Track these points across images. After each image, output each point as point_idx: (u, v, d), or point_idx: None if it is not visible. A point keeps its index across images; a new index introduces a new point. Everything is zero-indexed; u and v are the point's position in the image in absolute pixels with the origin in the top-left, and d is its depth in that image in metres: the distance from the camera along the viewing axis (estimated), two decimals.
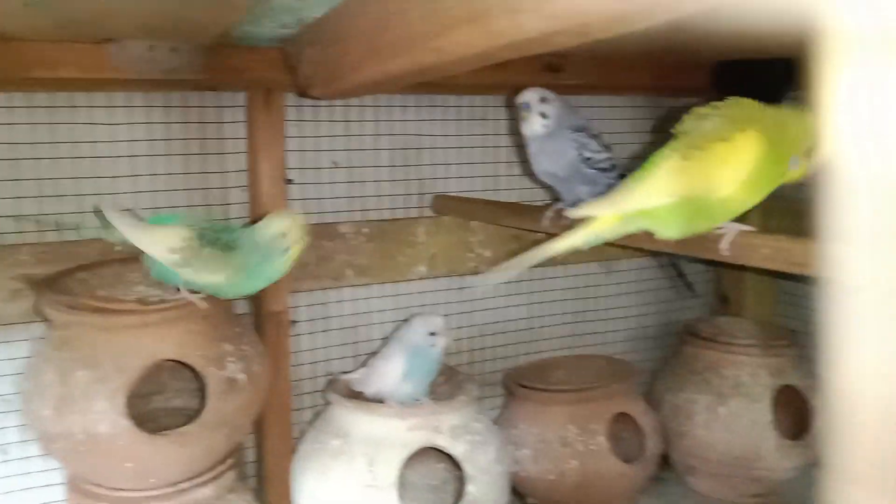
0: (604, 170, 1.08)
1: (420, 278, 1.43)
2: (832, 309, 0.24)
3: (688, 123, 0.85)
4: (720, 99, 0.87)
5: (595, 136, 1.08)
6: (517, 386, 1.42)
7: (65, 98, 1.15)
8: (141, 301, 1.02)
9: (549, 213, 1.09)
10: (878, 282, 0.23)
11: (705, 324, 1.60)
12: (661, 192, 0.81)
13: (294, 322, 1.32)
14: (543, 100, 1.07)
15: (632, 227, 0.85)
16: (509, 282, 1.53)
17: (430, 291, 1.45)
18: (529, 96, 1.07)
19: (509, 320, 1.55)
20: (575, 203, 1.09)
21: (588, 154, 1.06)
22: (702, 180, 0.79)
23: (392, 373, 1.16)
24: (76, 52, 1.01)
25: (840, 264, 0.24)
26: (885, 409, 0.23)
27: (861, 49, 0.22)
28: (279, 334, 1.26)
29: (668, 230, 0.83)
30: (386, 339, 1.34)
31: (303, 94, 1.14)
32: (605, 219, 0.84)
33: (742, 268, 1.59)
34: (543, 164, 1.09)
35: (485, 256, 1.48)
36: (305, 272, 1.30)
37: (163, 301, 1.01)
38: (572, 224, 0.89)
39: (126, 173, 1.20)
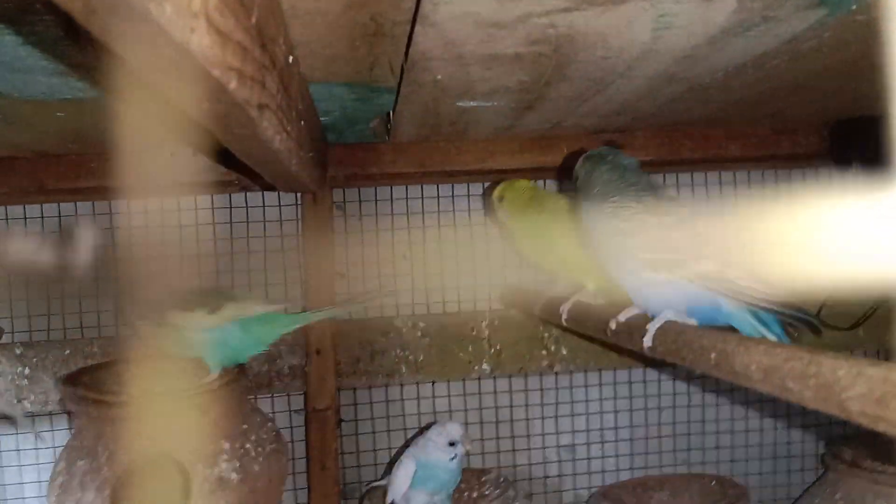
0: None
1: (482, 377, 1.31)
2: None
3: None
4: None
5: None
6: None
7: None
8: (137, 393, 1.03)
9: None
10: None
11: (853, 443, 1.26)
12: None
13: (343, 420, 1.27)
14: None
15: None
16: (605, 383, 1.35)
17: (496, 392, 1.33)
18: None
19: (607, 428, 1.36)
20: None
21: None
22: None
23: (402, 480, 1.06)
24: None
25: None
26: None
27: None
28: (324, 432, 1.22)
29: None
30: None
31: None
32: None
33: None
34: None
35: (561, 354, 1.32)
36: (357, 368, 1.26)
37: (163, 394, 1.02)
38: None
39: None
